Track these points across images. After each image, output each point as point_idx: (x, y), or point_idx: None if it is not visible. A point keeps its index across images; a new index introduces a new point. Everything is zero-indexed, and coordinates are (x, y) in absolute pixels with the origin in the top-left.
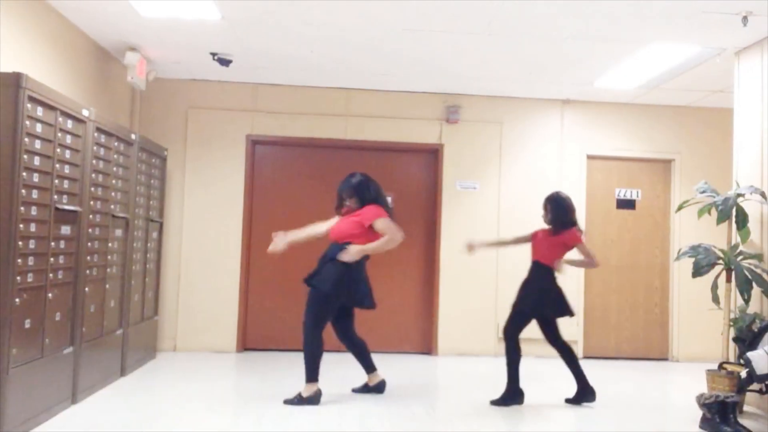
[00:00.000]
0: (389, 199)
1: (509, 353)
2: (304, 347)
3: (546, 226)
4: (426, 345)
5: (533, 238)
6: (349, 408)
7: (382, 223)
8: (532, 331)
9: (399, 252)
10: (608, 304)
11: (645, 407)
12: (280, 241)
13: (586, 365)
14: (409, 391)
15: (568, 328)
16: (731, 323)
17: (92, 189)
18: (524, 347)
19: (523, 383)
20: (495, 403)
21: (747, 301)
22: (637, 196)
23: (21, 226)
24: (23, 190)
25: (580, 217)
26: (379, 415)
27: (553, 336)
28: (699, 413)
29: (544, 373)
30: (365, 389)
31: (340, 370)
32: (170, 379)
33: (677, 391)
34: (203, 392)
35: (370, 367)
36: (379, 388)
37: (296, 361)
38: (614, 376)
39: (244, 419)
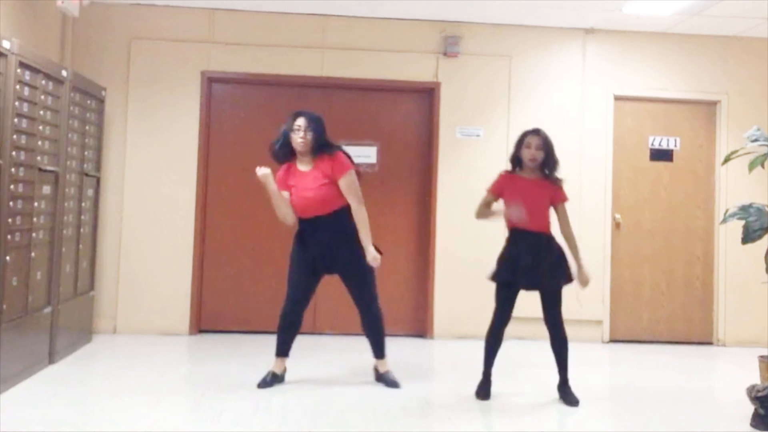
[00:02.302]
0: (374, 150)
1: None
2: (379, 327)
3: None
4: (420, 327)
5: (513, 189)
6: (327, 401)
7: (351, 178)
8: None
9: (386, 216)
10: (640, 277)
11: (684, 401)
12: (266, 176)
13: (612, 350)
14: (400, 380)
15: (591, 306)
16: None
17: (14, 137)
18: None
19: (537, 370)
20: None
21: None
22: (675, 146)
23: None
24: None
25: (606, 171)
26: (362, 409)
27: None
28: (750, 408)
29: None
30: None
31: (316, 354)
32: (109, 367)
33: (723, 381)
34: (149, 383)
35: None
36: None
37: (262, 345)
38: (647, 363)
39: (199, 415)
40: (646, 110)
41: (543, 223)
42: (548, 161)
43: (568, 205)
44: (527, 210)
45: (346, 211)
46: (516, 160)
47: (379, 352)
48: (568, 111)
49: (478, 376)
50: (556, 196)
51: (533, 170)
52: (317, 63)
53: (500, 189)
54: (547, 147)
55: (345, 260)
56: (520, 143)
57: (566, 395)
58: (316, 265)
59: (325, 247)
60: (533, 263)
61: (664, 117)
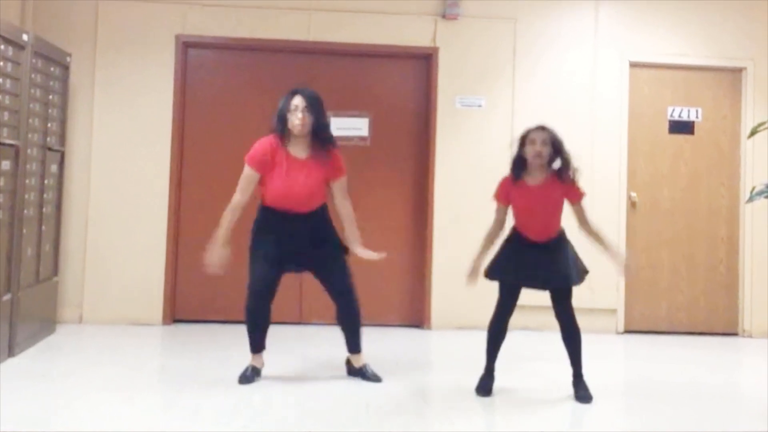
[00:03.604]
0: (366, 122)
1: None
2: (358, 318)
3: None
4: (416, 316)
5: (520, 197)
6: (315, 397)
7: (345, 180)
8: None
9: (378, 196)
10: (658, 262)
11: (706, 397)
12: (215, 255)
13: (627, 341)
14: (394, 374)
15: (604, 294)
16: None
17: None
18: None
19: (544, 363)
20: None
21: None
22: (697, 117)
23: None
24: None
25: (621, 145)
26: (353, 406)
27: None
28: None
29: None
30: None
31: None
32: (75, 360)
33: (750, 376)
34: (119, 378)
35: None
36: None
37: (241, 336)
38: (665, 356)
39: (174, 413)
40: (665, 78)
41: (554, 231)
42: (558, 160)
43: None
44: (537, 221)
45: (326, 206)
46: (519, 162)
47: (357, 345)
48: (579, 79)
49: (480, 370)
50: (571, 195)
51: (540, 170)
52: (304, 26)
53: (507, 194)
54: (555, 143)
55: (326, 257)
56: (523, 141)
57: (578, 390)
58: (287, 260)
59: (305, 244)
60: (536, 263)
61: (685, 85)
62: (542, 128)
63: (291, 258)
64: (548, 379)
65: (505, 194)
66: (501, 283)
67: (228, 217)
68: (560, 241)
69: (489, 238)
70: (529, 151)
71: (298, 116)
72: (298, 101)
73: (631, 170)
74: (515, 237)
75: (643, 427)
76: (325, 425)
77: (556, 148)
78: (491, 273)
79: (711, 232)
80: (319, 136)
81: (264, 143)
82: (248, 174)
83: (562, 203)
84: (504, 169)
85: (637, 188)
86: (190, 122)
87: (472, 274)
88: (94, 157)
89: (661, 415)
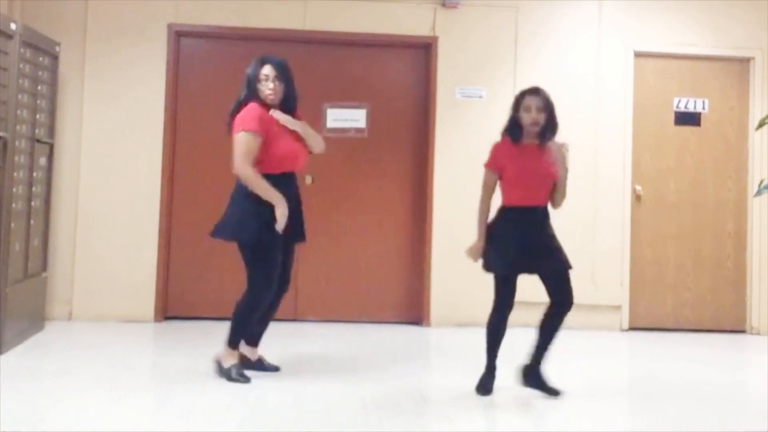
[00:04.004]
0: (363, 113)
1: None
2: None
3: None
4: (415, 313)
5: (515, 160)
6: (311, 396)
7: None
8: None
9: (376, 188)
10: (663, 257)
11: (713, 397)
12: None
13: (632, 339)
14: (392, 373)
15: (608, 289)
16: None
17: None
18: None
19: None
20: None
21: None
22: (704, 108)
23: None
24: None
25: (626, 137)
26: (350, 405)
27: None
28: None
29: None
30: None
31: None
32: (64, 358)
33: (757, 374)
34: (110, 376)
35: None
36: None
37: None
38: (671, 354)
39: (166, 412)
40: (671, 68)
41: (546, 197)
42: (549, 124)
43: (581, 177)
44: (534, 183)
45: None
46: (514, 125)
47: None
48: (583, 69)
49: (480, 368)
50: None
51: (534, 136)
52: (299, 15)
53: (501, 163)
54: (548, 108)
55: (301, 225)
56: (518, 106)
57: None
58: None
59: (297, 209)
60: (535, 245)
61: (691, 76)
62: (537, 92)
63: (287, 229)
64: (550, 378)
65: (501, 160)
66: (498, 274)
67: (262, 181)
68: (549, 218)
69: (485, 210)
70: (526, 119)
71: (269, 86)
72: (268, 71)
73: (636, 163)
74: (508, 217)
75: (647, 427)
76: (322, 425)
77: (550, 112)
78: (491, 264)
79: (718, 226)
80: (288, 106)
81: (255, 108)
82: (253, 140)
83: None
84: None
85: (642, 182)
86: (183, 114)
87: (475, 251)
88: (84, 150)
89: (666, 414)
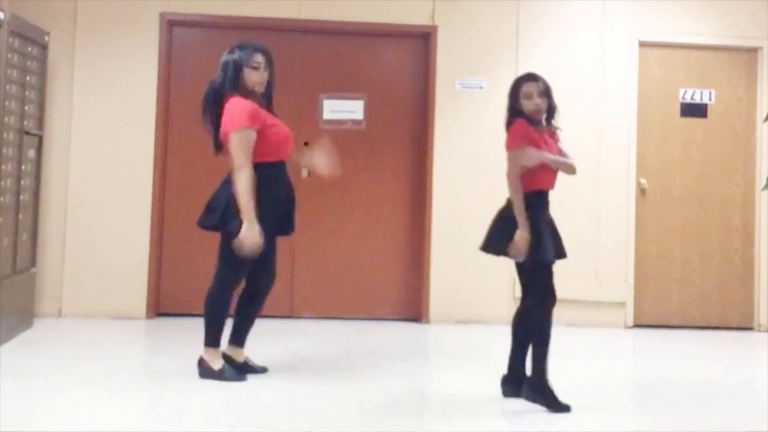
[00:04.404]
0: (361, 104)
1: None
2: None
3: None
4: (414, 310)
5: (538, 143)
6: (306, 395)
7: None
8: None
9: (374, 182)
10: (669, 252)
11: (719, 396)
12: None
13: (637, 336)
14: (390, 372)
15: (612, 285)
16: None
17: None
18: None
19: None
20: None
21: None
22: (710, 99)
23: None
24: None
25: (630, 129)
26: (347, 405)
27: None
28: None
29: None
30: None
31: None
32: (54, 356)
33: (765, 373)
34: (100, 375)
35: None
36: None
37: (227, 330)
38: (677, 351)
39: (158, 412)
40: (676, 58)
41: None
42: (550, 109)
43: (584, 170)
44: (552, 171)
45: None
46: (515, 112)
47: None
48: (586, 59)
49: (480, 366)
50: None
51: (537, 121)
52: (295, 4)
53: (534, 142)
54: (548, 93)
55: (291, 216)
56: (516, 93)
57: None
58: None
59: (290, 199)
60: (555, 233)
61: (697, 66)
62: (535, 78)
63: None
64: (552, 378)
65: (532, 139)
66: (547, 265)
67: (252, 192)
68: None
69: (522, 197)
70: (529, 106)
71: (263, 75)
72: (260, 59)
73: (641, 156)
74: (539, 203)
75: (652, 427)
76: (319, 425)
77: (549, 97)
78: (544, 254)
79: (725, 221)
80: (267, 95)
81: (245, 102)
82: (250, 136)
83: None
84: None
85: (647, 175)
86: (176, 105)
87: (523, 242)
88: (73, 142)
89: (672, 414)
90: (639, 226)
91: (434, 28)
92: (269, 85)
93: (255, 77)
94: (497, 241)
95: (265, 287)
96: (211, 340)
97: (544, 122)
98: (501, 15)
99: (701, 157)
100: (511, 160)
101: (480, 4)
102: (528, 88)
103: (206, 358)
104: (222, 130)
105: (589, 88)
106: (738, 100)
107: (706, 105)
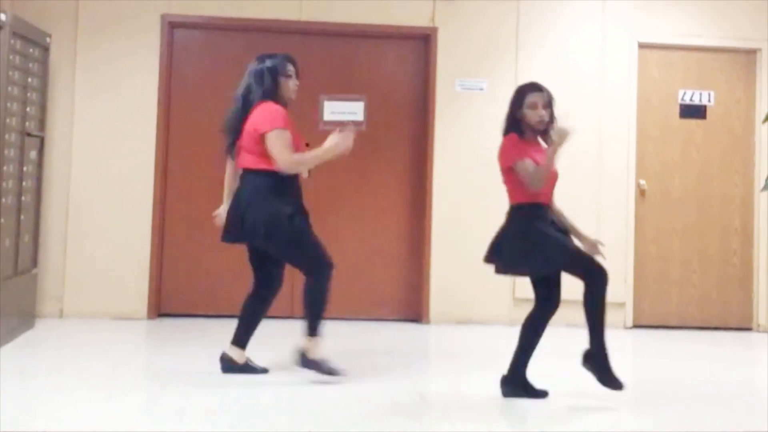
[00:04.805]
0: (361, 106)
1: None
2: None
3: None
4: (414, 310)
5: (533, 155)
6: (306, 396)
7: None
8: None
9: (374, 182)
10: (668, 253)
11: (719, 396)
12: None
13: (636, 337)
14: (390, 373)
15: (611, 286)
16: None
17: None
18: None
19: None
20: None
21: None
22: (709, 101)
23: None
24: None
25: (630, 130)
26: (347, 406)
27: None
28: None
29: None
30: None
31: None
32: (55, 357)
33: (764, 373)
34: (101, 375)
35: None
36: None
37: (230, 331)
38: (676, 352)
39: (159, 412)
40: (676, 60)
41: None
42: (550, 120)
43: (584, 171)
44: (551, 180)
45: None
46: (514, 122)
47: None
48: (586, 60)
49: (480, 367)
50: None
51: (535, 134)
52: (295, 5)
53: (529, 155)
54: (551, 104)
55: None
56: (520, 103)
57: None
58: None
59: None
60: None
61: (696, 67)
62: (540, 89)
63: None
64: (553, 377)
65: (527, 152)
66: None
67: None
68: None
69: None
70: (532, 116)
71: (297, 84)
72: (292, 69)
73: (640, 157)
74: (538, 214)
75: (652, 427)
76: (318, 425)
77: (552, 107)
78: (555, 256)
79: (724, 222)
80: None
81: (278, 106)
82: (288, 136)
83: None
84: None
85: (647, 176)
86: (177, 107)
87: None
88: (75, 144)
89: (672, 414)
90: (638, 227)
91: (434, 30)
92: None
93: (291, 86)
94: (516, 258)
95: (275, 291)
96: (314, 330)
97: (543, 133)
98: (501, 16)
99: (700, 158)
100: (523, 172)
101: (480, 5)
102: (533, 98)
103: (308, 346)
104: (257, 129)
105: (589, 89)
106: (737, 102)
107: (705, 106)
